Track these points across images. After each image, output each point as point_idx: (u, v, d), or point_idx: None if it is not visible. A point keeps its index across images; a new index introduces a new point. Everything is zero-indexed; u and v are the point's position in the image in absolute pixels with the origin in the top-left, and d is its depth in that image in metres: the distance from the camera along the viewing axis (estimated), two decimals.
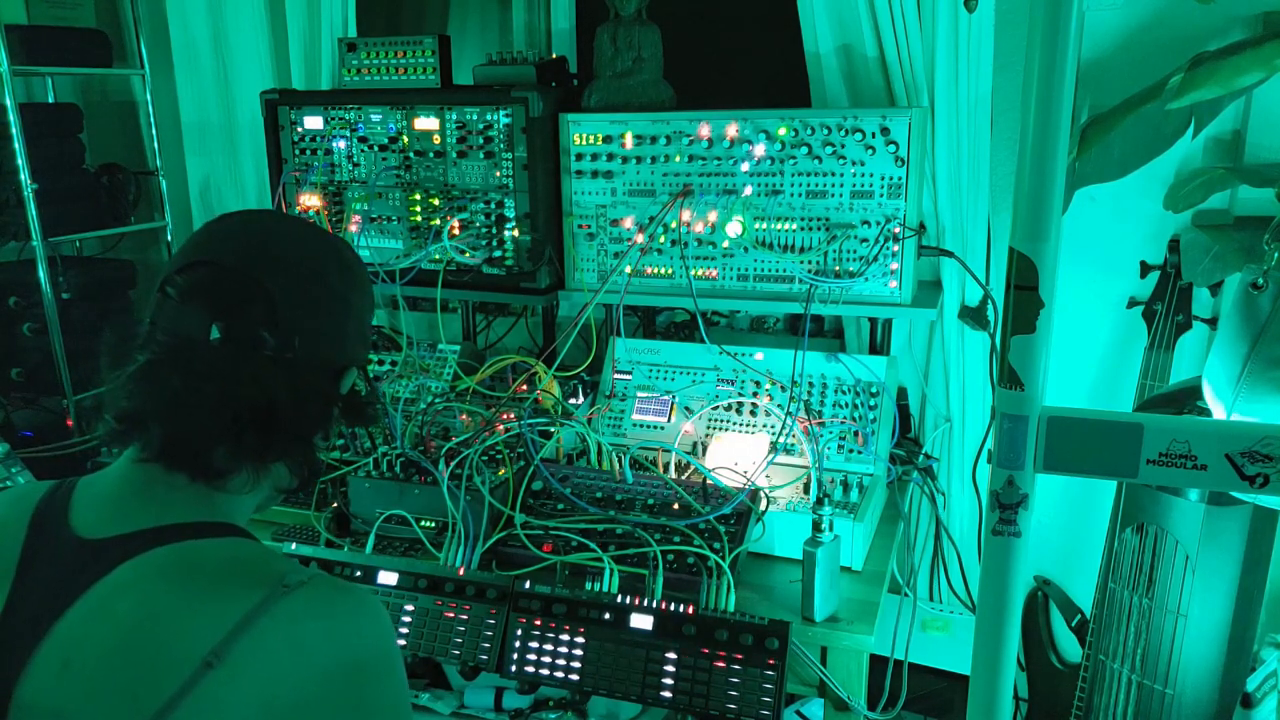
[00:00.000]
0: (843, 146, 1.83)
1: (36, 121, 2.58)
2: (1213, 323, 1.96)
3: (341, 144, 2.18)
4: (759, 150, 1.88)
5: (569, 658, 1.49)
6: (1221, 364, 1.36)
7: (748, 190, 1.91)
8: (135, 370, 0.89)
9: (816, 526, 1.49)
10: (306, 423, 0.95)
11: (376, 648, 0.86)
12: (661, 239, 1.99)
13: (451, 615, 1.55)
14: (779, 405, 1.90)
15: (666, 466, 1.87)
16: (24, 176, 2.49)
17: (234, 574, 0.85)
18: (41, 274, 2.56)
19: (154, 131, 2.85)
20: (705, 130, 1.91)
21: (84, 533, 0.87)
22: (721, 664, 1.43)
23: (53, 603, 0.83)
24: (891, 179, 1.82)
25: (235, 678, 0.78)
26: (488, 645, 1.53)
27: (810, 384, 1.92)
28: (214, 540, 0.88)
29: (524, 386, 2.01)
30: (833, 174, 1.86)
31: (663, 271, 2.01)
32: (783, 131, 1.86)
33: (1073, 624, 2.17)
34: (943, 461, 2.18)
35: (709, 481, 1.71)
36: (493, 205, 2.08)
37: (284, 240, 0.97)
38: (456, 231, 2.10)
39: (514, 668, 1.52)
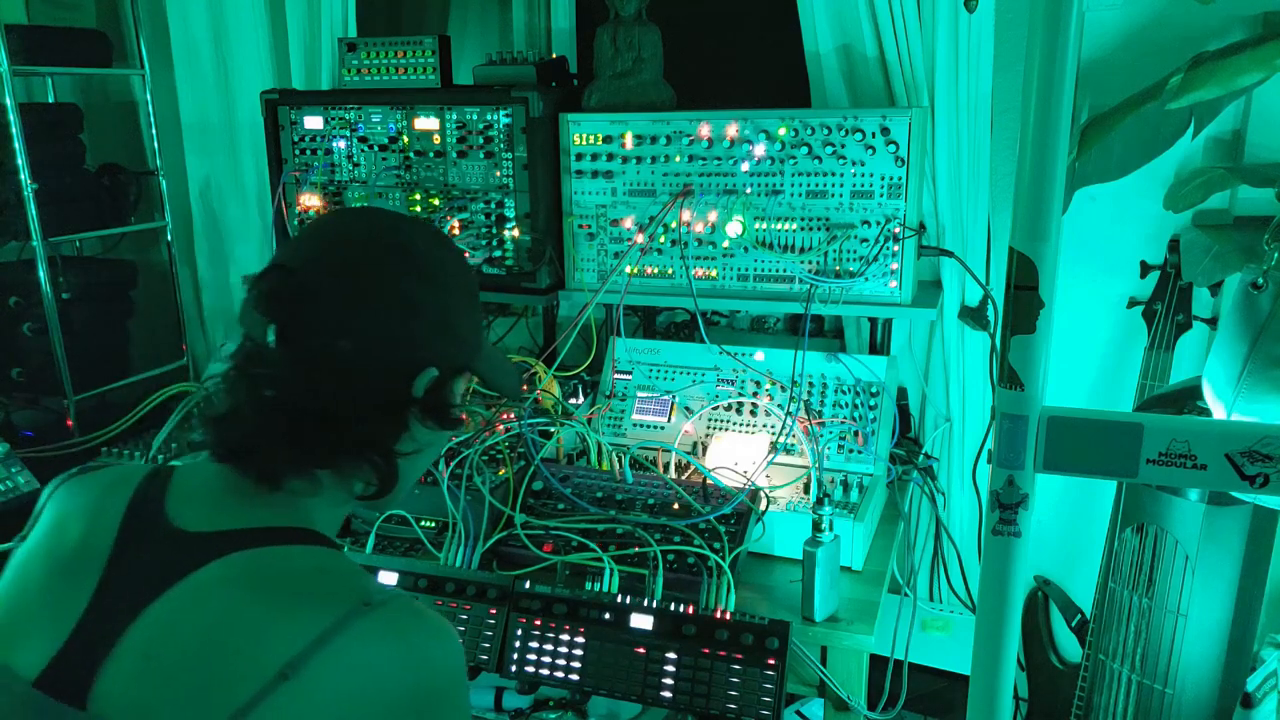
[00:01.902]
0: (843, 146, 1.83)
1: (36, 121, 2.57)
2: (1213, 323, 1.96)
3: (341, 144, 2.18)
4: (759, 150, 1.88)
5: (569, 658, 1.49)
6: (1221, 364, 1.36)
7: (748, 190, 1.91)
8: (223, 373, 0.91)
9: (816, 526, 1.49)
10: (373, 428, 0.93)
11: (447, 677, 0.86)
12: (661, 239, 1.99)
13: (451, 615, 1.55)
14: (779, 405, 1.90)
15: (666, 466, 1.87)
16: (24, 176, 2.49)
17: (317, 586, 0.85)
18: (41, 274, 2.55)
19: (154, 131, 2.84)
20: (705, 130, 1.91)
21: (179, 524, 0.88)
22: (721, 664, 1.43)
23: (143, 590, 0.83)
24: (891, 179, 1.82)
25: (308, 692, 0.78)
26: (488, 645, 1.53)
27: (810, 384, 1.92)
28: (300, 548, 0.88)
29: (524, 386, 2.01)
30: (833, 174, 1.86)
31: (663, 271, 2.01)
32: (783, 131, 1.86)
33: (1073, 624, 2.18)
34: (943, 461, 2.18)
35: (709, 481, 1.71)
36: (493, 205, 2.09)
37: (355, 242, 0.94)
38: (457, 231, 2.10)
39: (514, 668, 1.52)
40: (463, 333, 1.00)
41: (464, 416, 1.03)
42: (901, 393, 2.17)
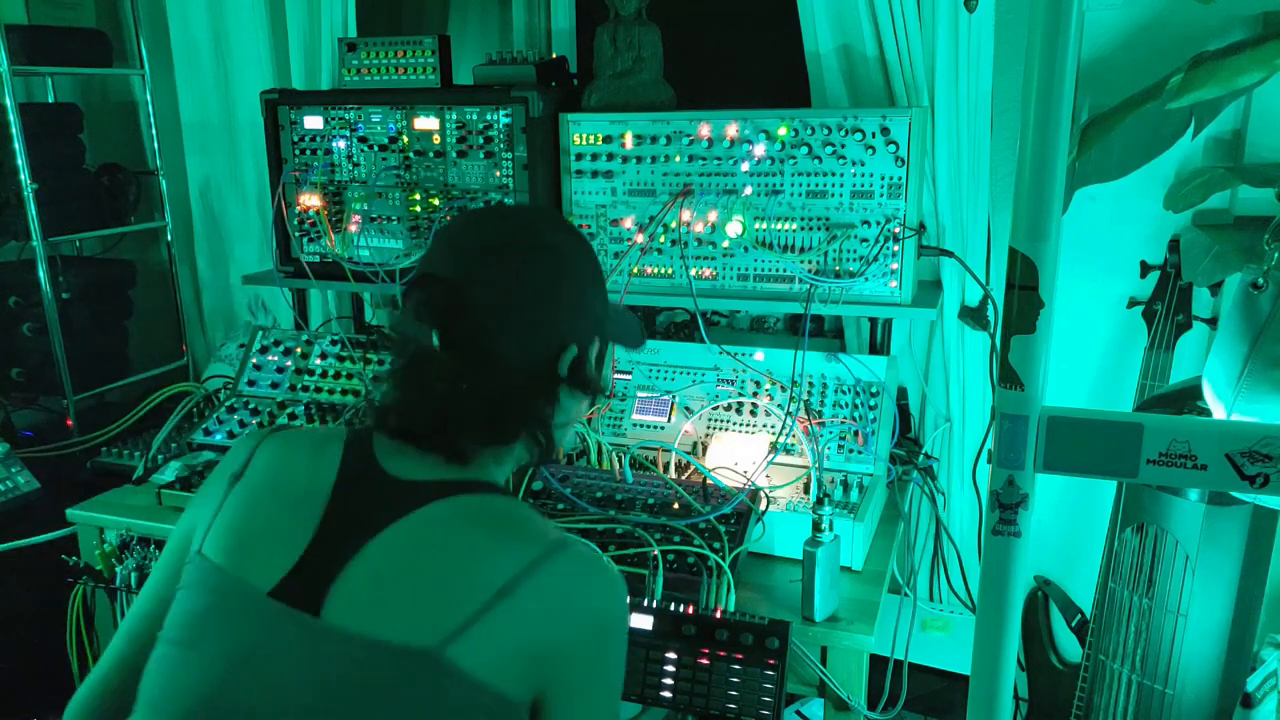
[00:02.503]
0: (843, 146, 1.83)
1: (36, 121, 2.57)
2: (1213, 323, 1.96)
3: (341, 144, 2.18)
4: (759, 150, 1.88)
5: None
6: (1221, 364, 1.36)
7: (748, 190, 1.91)
8: (387, 375, 1.07)
9: (816, 526, 1.49)
10: (530, 409, 1.07)
11: (619, 612, 1.02)
12: (661, 239, 1.99)
13: None
14: (779, 405, 1.90)
15: (666, 466, 1.87)
16: (24, 176, 2.49)
17: (521, 525, 1.01)
18: (41, 274, 2.55)
19: (154, 131, 2.84)
20: (705, 130, 1.91)
21: (394, 473, 1.02)
22: (721, 664, 1.43)
23: (370, 522, 0.97)
24: (891, 179, 1.82)
25: (518, 610, 0.93)
26: None
27: (810, 384, 1.92)
28: (499, 497, 1.04)
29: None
30: (833, 174, 1.85)
31: (663, 271, 2.01)
32: (783, 131, 1.86)
33: (1073, 624, 2.17)
34: (943, 461, 2.18)
35: (709, 481, 1.71)
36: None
37: (494, 247, 1.06)
38: None
39: None
40: (594, 308, 1.14)
41: (604, 386, 1.18)
42: (901, 393, 2.17)
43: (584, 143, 2.01)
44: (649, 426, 1.98)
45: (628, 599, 1.04)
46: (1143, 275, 2.00)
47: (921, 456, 2.06)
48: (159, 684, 0.97)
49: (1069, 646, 2.23)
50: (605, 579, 1.01)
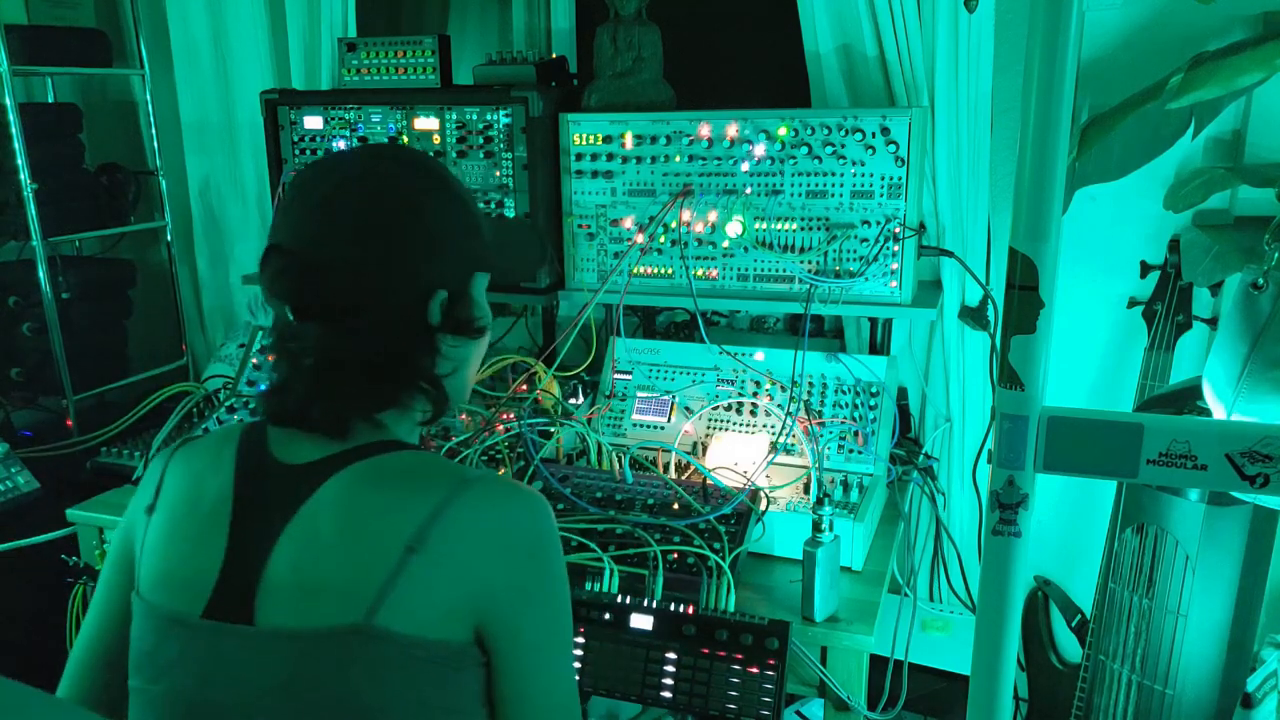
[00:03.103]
0: (843, 146, 1.83)
1: (36, 121, 2.57)
2: (1213, 323, 1.96)
3: (341, 144, 2.18)
4: (759, 150, 1.88)
5: None
6: (1221, 364, 1.36)
7: (748, 190, 1.91)
8: (270, 351, 1.04)
9: (816, 526, 1.49)
10: (408, 363, 1.02)
11: (542, 529, 0.99)
12: (661, 239, 1.99)
13: None
14: (779, 405, 1.90)
15: (666, 466, 1.87)
16: (24, 176, 2.49)
17: (420, 474, 0.98)
18: (41, 274, 2.55)
19: (154, 131, 2.84)
20: (705, 130, 1.91)
21: (287, 460, 1.00)
22: (721, 664, 1.43)
23: (275, 517, 0.97)
24: (891, 179, 1.82)
25: (433, 560, 0.92)
26: None
27: (810, 384, 1.92)
28: (396, 453, 1.00)
29: (524, 386, 2.01)
30: (833, 174, 1.85)
31: (663, 271, 2.01)
32: (783, 131, 1.86)
33: (1073, 624, 2.17)
34: (943, 461, 2.18)
35: (709, 481, 1.71)
36: (493, 205, 2.08)
37: (333, 203, 1.00)
38: None
39: None
40: (458, 245, 1.05)
41: (485, 325, 1.10)
42: (901, 393, 2.17)
43: (584, 143, 2.01)
44: (649, 426, 1.98)
45: (549, 513, 1.00)
46: (1143, 275, 2.00)
47: (921, 456, 2.06)
48: None
49: (1069, 647, 2.23)
50: (517, 502, 0.98)
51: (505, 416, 1.92)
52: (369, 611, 0.91)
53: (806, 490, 1.79)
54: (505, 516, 0.97)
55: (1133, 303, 2.03)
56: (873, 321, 2.08)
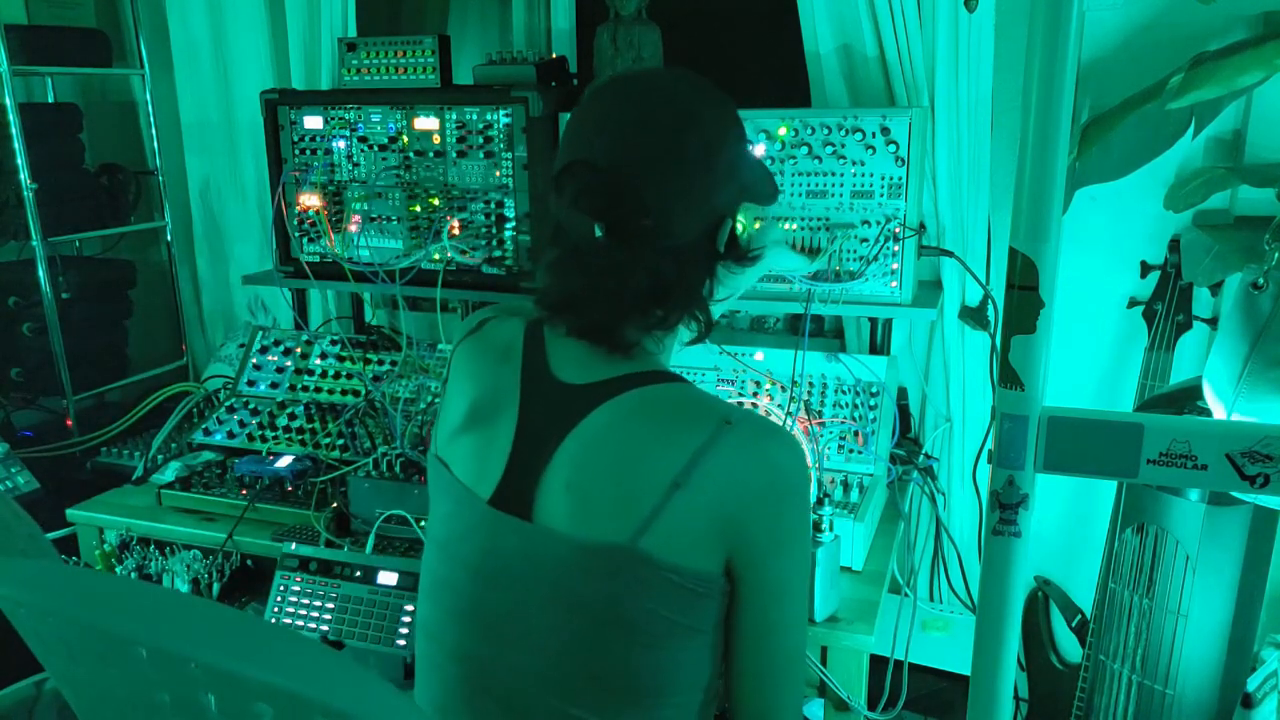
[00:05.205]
0: (843, 146, 1.83)
1: (36, 121, 2.57)
2: (1213, 323, 1.96)
3: (341, 144, 2.18)
4: (759, 150, 1.87)
5: None
6: (1222, 364, 1.36)
7: None
8: (547, 264, 1.08)
9: (816, 526, 1.49)
10: (695, 288, 1.08)
11: (796, 475, 1.04)
12: None
13: None
14: (779, 405, 1.90)
15: None
16: (24, 176, 2.49)
17: (687, 412, 1.03)
18: (41, 274, 2.55)
19: (154, 131, 2.84)
20: None
21: (565, 379, 1.07)
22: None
23: (553, 432, 1.04)
24: (891, 179, 1.82)
25: (694, 497, 0.98)
26: None
27: (810, 384, 1.92)
28: (665, 385, 1.06)
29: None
30: (833, 174, 1.85)
31: None
32: (783, 131, 1.86)
33: (1073, 624, 2.17)
34: (943, 461, 2.17)
35: None
36: (492, 205, 2.08)
37: (646, 125, 1.04)
38: (456, 231, 2.10)
39: None
40: (741, 175, 1.10)
41: (759, 254, 1.15)
42: (901, 393, 2.17)
43: None
44: None
45: (804, 459, 1.06)
46: (1143, 275, 2.00)
47: (921, 456, 2.06)
48: (433, 582, 1.12)
49: (1069, 647, 2.22)
50: (773, 443, 1.02)
51: None
52: (634, 535, 0.97)
53: None
54: (764, 460, 1.01)
55: (1133, 303, 2.03)
56: (873, 321, 2.08)
